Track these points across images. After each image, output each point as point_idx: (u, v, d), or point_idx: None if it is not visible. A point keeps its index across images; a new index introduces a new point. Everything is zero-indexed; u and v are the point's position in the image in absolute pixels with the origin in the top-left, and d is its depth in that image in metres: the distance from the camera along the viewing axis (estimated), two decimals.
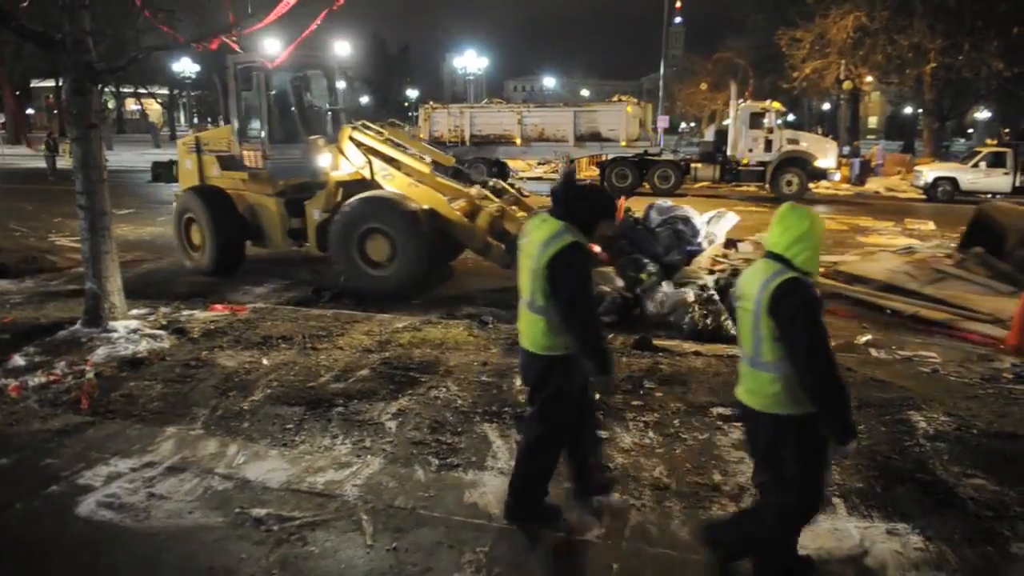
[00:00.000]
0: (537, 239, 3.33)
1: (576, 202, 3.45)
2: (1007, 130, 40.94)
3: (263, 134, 9.25)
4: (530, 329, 3.43)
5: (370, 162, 9.06)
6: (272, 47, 9.28)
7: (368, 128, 9.47)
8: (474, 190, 9.04)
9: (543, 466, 3.61)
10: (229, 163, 9.68)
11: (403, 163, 9.14)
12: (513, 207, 9.18)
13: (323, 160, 9.22)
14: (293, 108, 9.47)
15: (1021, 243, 8.90)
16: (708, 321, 6.97)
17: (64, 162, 22.11)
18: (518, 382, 5.60)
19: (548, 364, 3.40)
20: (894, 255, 10.56)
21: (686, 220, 9.24)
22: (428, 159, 9.55)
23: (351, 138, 9.17)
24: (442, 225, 8.55)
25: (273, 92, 9.29)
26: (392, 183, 8.91)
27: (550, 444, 3.56)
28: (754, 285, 2.87)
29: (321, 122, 9.94)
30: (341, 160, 9.24)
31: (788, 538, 3.09)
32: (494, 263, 8.81)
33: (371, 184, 9.07)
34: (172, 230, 10.07)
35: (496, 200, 9.04)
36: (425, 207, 8.52)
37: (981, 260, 8.96)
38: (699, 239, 9.25)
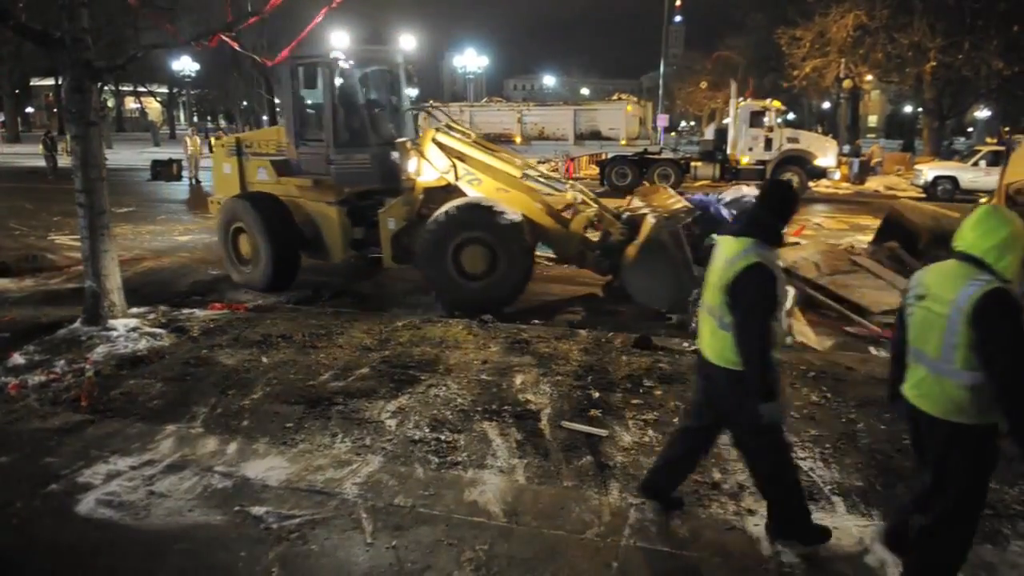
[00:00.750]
0: (724, 255, 3.33)
1: (758, 215, 3.40)
2: (1007, 129, 40.94)
3: (327, 137, 8.32)
4: (719, 343, 3.39)
5: (454, 166, 8.38)
6: (340, 41, 8.70)
7: (453, 130, 8.78)
8: (569, 195, 8.48)
9: (791, 481, 3.51)
10: (284, 168, 8.84)
11: (492, 167, 8.44)
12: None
13: (408, 165, 8.51)
14: (362, 108, 8.62)
15: (933, 242, 8.95)
16: None
17: (64, 161, 22.11)
18: (518, 380, 5.61)
19: (739, 377, 3.34)
20: (818, 243, 10.54)
21: None
22: (519, 162, 8.89)
23: (435, 140, 8.45)
24: (535, 232, 8.12)
25: (338, 91, 8.45)
26: (479, 189, 8.27)
27: (783, 461, 3.48)
28: (950, 289, 2.76)
29: (390, 123, 9.11)
30: (423, 165, 8.52)
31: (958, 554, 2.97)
32: (590, 270, 8.49)
33: (454, 190, 8.48)
34: (218, 241, 9.22)
35: (593, 205, 8.45)
36: (520, 214, 7.97)
37: (893, 255, 9.04)
38: None
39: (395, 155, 8.51)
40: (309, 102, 8.78)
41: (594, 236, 8.38)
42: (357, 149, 8.45)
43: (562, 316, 7.98)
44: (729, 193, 9.43)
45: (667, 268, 7.27)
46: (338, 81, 8.37)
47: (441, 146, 8.45)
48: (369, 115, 8.63)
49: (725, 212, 8.96)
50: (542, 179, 8.78)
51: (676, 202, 8.32)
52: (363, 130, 8.52)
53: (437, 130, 8.56)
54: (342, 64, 8.21)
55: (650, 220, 7.62)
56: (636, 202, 9.28)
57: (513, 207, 7.94)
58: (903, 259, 8.91)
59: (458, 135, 8.67)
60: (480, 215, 7.82)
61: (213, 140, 11.72)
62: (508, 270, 7.83)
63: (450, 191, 8.53)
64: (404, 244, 8.43)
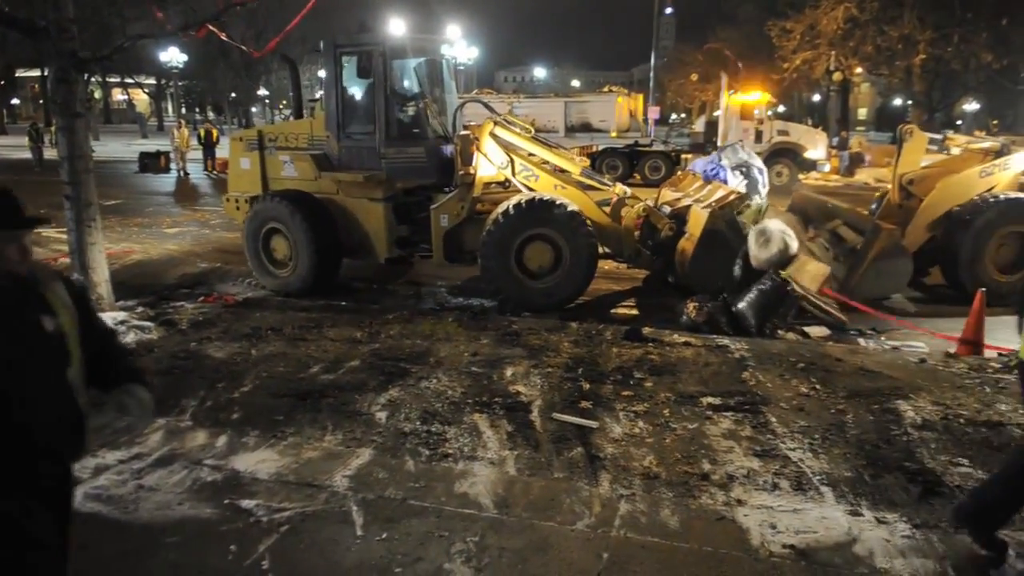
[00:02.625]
0: None
1: None
2: (995, 122, 41.19)
3: (378, 130, 7.99)
4: None
5: (512, 161, 8.10)
6: (397, 28, 8.46)
7: (512, 123, 8.47)
8: (618, 188, 8.25)
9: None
10: (324, 163, 8.35)
11: (548, 163, 8.26)
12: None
13: (468, 159, 8.20)
14: (414, 100, 8.36)
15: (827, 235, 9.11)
16: (703, 315, 7.01)
17: (50, 152, 21.94)
18: (508, 372, 5.61)
19: None
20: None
21: (761, 170, 9.24)
22: (579, 158, 8.63)
23: (492, 134, 8.12)
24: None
25: (390, 81, 8.11)
26: (536, 185, 8.05)
27: None
28: None
29: (441, 115, 8.79)
30: (479, 159, 8.16)
31: None
32: (641, 269, 8.37)
33: (509, 186, 8.32)
34: (245, 243, 8.54)
35: (640, 200, 8.24)
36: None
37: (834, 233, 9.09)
38: (766, 190, 9.17)
39: (448, 149, 8.30)
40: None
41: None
42: (411, 142, 8.14)
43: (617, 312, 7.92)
44: (727, 156, 9.34)
45: (728, 256, 7.20)
46: (388, 71, 8.03)
47: (498, 140, 8.16)
48: (423, 107, 8.35)
49: (731, 177, 8.90)
50: (589, 175, 8.55)
51: (716, 188, 8.18)
52: (417, 122, 8.26)
53: (495, 123, 8.23)
54: (393, 53, 7.92)
55: (700, 212, 7.40)
56: (669, 194, 9.06)
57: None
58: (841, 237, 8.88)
59: (517, 129, 8.37)
60: (546, 211, 7.62)
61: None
62: (573, 267, 7.68)
63: (506, 187, 8.37)
64: (456, 241, 8.19)
